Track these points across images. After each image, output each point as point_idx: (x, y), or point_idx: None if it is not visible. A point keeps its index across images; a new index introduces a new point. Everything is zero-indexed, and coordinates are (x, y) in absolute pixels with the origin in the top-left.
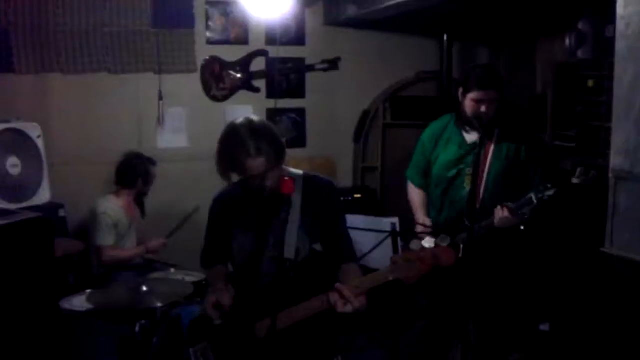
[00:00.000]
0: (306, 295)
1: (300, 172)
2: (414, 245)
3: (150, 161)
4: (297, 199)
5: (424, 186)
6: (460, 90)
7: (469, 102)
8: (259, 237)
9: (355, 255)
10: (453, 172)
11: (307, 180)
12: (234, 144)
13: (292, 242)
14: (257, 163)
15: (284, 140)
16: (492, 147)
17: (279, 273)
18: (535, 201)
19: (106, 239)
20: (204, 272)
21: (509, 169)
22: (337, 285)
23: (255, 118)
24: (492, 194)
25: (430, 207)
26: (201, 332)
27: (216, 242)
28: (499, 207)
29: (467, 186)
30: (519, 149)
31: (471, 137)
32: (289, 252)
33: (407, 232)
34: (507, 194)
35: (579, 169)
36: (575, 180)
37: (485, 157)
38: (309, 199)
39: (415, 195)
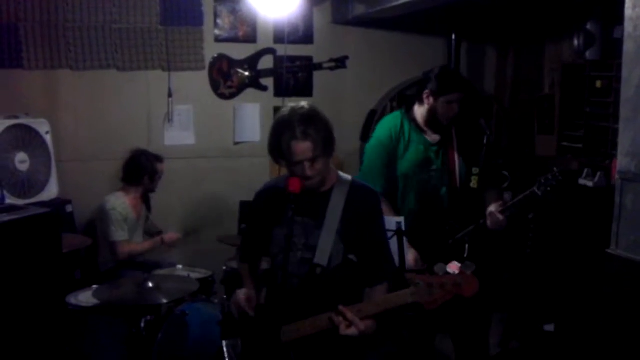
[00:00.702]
0: (334, 304)
1: (349, 177)
2: (438, 268)
3: (157, 158)
4: (339, 204)
5: (386, 189)
6: (428, 93)
7: (441, 105)
8: (290, 236)
9: (390, 273)
10: (425, 174)
11: (354, 188)
12: (283, 126)
13: (326, 247)
14: (303, 147)
15: (334, 134)
16: (455, 146)
17: (309, 277)
18: (540, 194)
19: (119, 233)
20: (238, 265)
21: (470, 166)
22: (340, 307)
23: (308, 105)
24: (464, 192)
25: (400, 203)
26: (235, 328)
27: (254, 237)
28: (492, 211)
29: (444, 186)
30: (473, 144)
31: (433, 137)
32: (322, 258)
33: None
34: (477, 191)
35: (585, 170)
36: (582, 182)
37: (452, 157)
38: (352, 207)
39: (383, 203)
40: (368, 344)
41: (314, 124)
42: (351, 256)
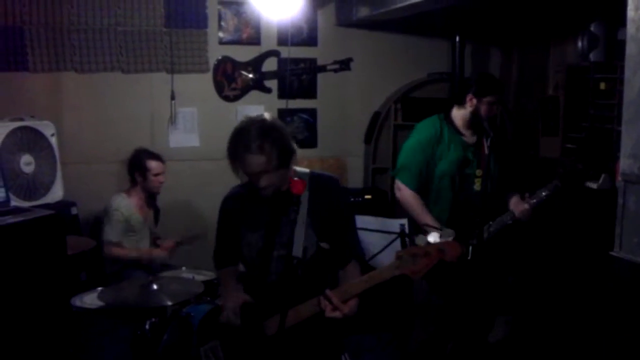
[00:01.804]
0: (314, 293)
1: (306, 170)
2: (419, 240)
3: (152, 155)
4: (304, 198)
5: (418, 189)
6: (470, 96)
7: (485, 105)
8: (268, 235)
9: (360, 252)
10: (464, 173)
11: (314, 179)
12: (239, 137)
13: (300, 240)
14: (256, 160)
15: (293, 145)
16: (486, 147)
17: (286, 271)
18: (560, 185)
19: (111, 234)
20: (216, 272)
21: (501, 168)
22: (327, 291)
23: (269, 117)
24: (494, 193)
25: (432, 205)
26: (211, 331)
27: (226, 242)
28: (516, 200)
29: (478, 186)
30: (503, 150)
31: (471, 138)
32: (297, 251)
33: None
34: (502, 192)
35: (603, 175)
36: (586, 184)
37: (484, 157)
38: (316, 197)
39: (414, 199)
40: (349, 325)
41: (270, 138)
42: (323, 244)
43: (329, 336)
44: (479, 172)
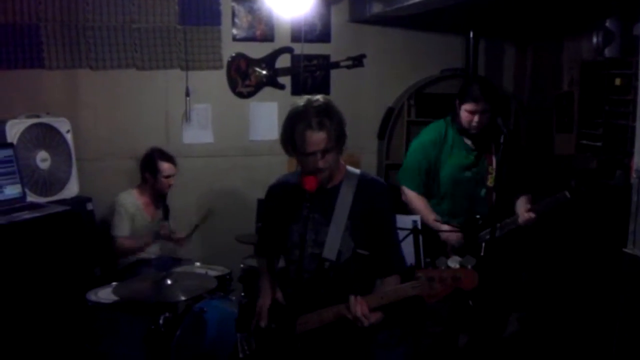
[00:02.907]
0: (344, 297)
1: (357, 171)
2: (439, 262)
3: (165, 157)
4: (347, 200)
5: (422, 191)
6: (457, 101)
7: (463, 113)
8: (303, 231)
9: (402, 265)
10: (468, 174)
11: (362, 182)
12: (298, 115)
13: (334, 243)
14: (317, 137)
15: (346, 130)
16: (493, 151)
17: (318, 271)
18: (569, 197)
19: (119, 228)
20: (257, 260)
21: (510, 168)
22: (352, 300)
23: (323, 98)
24: (501, 198)
25: (438, 208)
26: (248, 323)
27: (270, 233)
28: (522, 210)
29: (483, 190)
30: (508, 165)
31: (472, 142)
32: (330, 253)
33: (428, 229)
34: (510, 198)
35: (618, 172)
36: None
37: (491, 161)
38: (360, 201)
39: (418, 199)
40: (371, 333)
41: (329, 116)
42: (361, 250)
43: (360, 332)
44: (491, 169)
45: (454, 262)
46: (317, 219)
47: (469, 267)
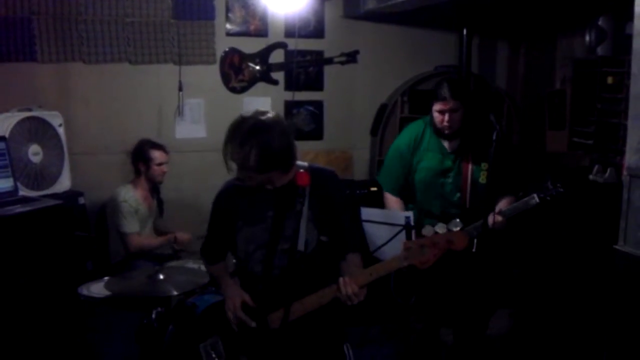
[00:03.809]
0: (316, 286)
1: (305, 164)
2: (426, 231)
3: (155, 145)
4: (306, 192)
5: (399, 193)
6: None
7: (434, 113)
8: (274, 229)
9: (361, 244)
10: (441, 179)
11: (313, 173)
12: (233, 126)
13: (302, 234)
14: (236, 154)
15: (288, 149)
16: (470, 156)
17: (290, 265)
18: (537, 201)
19: (131, 225)
20: (206, 266)
21: (489, 180)
22: (344, 278)
23: (271, 117)
24: (478, 200)
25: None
26: (210, 327)
27: (220, 235)
28: (493, 212)
29: (457, 195)
30: (495, 164)
31: (451, 144)
32: (299, 245)
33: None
34: (491, 199)
35: (596, 166)
36: (592, 178)
37: (467, 166)
38: (315, 191)
39: (393, 202)
40: (349, 315)
41: (254, 139)
42: (323, 237)
43: (331, 326)
44: (484, 166)
45: (441, 228)
46: (288, 215)
47: (457, 229)
